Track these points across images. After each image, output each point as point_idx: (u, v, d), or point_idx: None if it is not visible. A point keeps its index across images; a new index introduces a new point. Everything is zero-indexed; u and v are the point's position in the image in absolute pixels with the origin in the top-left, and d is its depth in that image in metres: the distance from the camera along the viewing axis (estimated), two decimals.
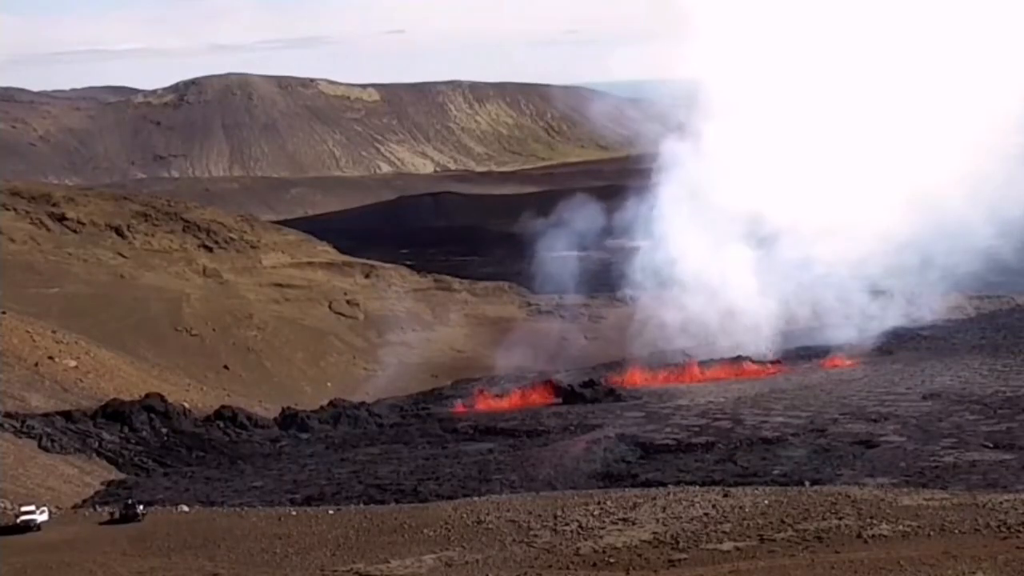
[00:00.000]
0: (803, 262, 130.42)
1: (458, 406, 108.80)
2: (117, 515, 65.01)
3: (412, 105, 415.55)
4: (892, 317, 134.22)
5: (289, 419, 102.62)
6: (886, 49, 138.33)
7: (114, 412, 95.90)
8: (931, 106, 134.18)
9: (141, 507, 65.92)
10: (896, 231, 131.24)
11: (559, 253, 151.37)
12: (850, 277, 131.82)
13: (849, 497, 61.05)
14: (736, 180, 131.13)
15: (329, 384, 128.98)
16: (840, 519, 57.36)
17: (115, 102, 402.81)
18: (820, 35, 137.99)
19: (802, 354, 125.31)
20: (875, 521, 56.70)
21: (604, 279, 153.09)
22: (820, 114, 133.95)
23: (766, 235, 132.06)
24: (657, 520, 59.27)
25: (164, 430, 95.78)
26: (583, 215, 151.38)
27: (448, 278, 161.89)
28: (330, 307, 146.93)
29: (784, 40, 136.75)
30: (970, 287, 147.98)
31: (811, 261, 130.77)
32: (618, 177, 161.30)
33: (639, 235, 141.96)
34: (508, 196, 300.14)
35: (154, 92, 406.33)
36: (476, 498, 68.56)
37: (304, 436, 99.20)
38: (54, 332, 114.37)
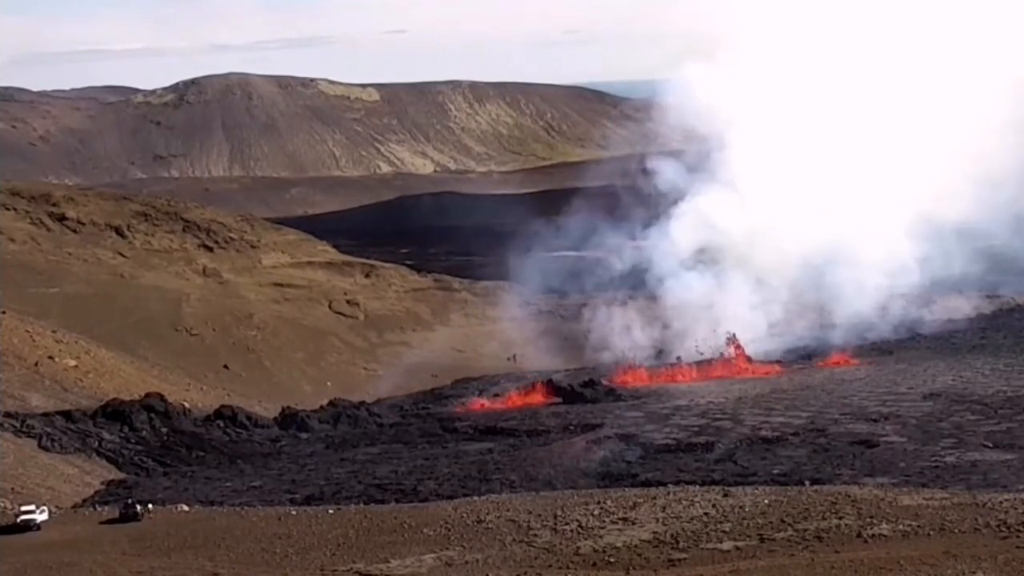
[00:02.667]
0: (808, 260, 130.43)
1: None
2: (132, 513, 64.73)
3: (412, 105, 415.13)
4: (894, 317, 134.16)
5: (289, 419, 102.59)
6: (892, 58, 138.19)
7: (114, 412, 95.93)
8: (932, 111, 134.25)
9: (139, 507, 65.86)
10: (901, 230, 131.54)
11: (559, 252, 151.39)
12: (851, 277, 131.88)
13: (849, 497, 61.05)
14: (737, 179, 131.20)
15: (329, 384, 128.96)
16: (840, 519, 57.36)
17: (115, 102, 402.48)
18: (824, 38, 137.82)
19: (803, 354, 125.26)
20: (875, 521, 56.71)
21: (604, 278, 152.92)
22: (827, 119, 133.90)
23: (770, 233, 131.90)
24: (657, 520, 59.29)
25: (164, 430, 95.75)
26: (583, 215, 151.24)
27: (448, 278, 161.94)
28: (330, 307, 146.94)
29: (784, 41, 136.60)
30: (970, 287, 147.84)
31: (816, 259, 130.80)
32: (618, 177, 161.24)
33: (639, 235, 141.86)
34: (508, 196, 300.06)
35: (154, 92, 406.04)
36: (476, 498, 68.55)
37: (304, 436, 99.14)
38: (54, 332, 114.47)
